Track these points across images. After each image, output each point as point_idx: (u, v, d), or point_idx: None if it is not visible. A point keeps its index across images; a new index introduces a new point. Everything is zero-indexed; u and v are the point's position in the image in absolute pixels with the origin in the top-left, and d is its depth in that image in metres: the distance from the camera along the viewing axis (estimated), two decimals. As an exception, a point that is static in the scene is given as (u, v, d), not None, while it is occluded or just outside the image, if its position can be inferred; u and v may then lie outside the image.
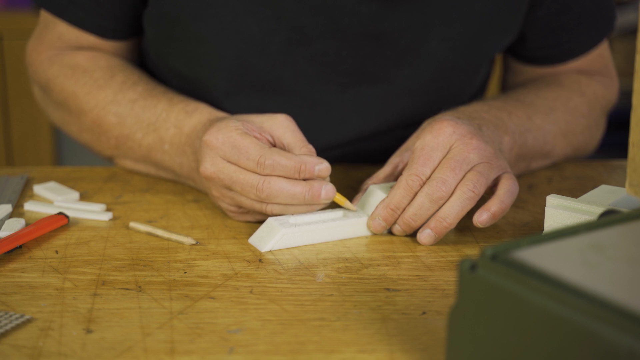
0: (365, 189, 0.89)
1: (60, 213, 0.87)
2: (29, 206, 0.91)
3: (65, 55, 1.04)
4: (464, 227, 0.88)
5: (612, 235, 0.58)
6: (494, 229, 0.88)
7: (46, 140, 2.41)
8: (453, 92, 1.04)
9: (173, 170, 0.96)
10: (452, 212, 0.82)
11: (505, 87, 1.14)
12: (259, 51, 0.97)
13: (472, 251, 0.83)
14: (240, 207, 0.87)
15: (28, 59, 1.08)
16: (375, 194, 0.86)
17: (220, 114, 0.92)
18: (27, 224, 0.86)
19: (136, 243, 0.83)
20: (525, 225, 0.90)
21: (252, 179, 0.83)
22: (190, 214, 0.91)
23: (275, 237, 0.81)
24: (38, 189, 0.96)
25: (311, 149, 0.86)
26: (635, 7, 2.48)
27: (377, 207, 0.85)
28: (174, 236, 0.84)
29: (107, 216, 0.89)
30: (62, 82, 1.02)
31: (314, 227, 0.83)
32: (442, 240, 0.85)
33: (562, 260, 0.54)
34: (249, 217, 0.88)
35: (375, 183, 0.89)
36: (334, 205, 0.87)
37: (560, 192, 0.95)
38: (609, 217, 0.60)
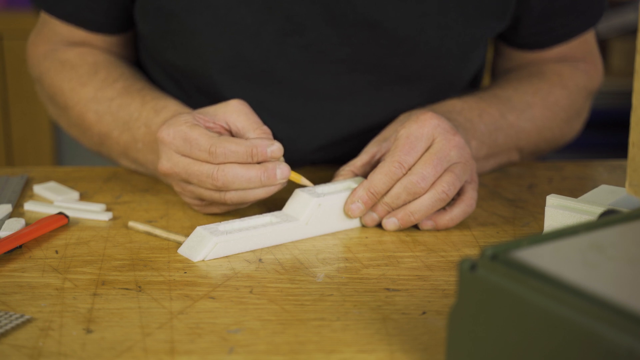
0: (341, 175, 0.89)
1: (60, 213, 0.87)
2: (29, 206, 0.91)
3: (58, 51, 1.05)
4: (464, 227, 0.88)
5: (612, 235, 0.58)
6: (494, 229, 0.88)
7: (46, 140, 2.41)
8: (448, 79, 1.04)
9: (147, 168, 0.98)
10: (421, 209, 0.85)
11: (494, 72, 1.15)
12: (253, 42, 0.97)
13: (472, 251, 0.83)
14: (202, 199, 0.87)
15: (27, 52, 1.11)
16: (300, 197, 0.86)
17: (186, 110, 0.93)
18: (27, 224, 0.86)
19: (136, 243, 0.83)
20: (525, 225, 0.90)
21: (206, 169, 0.83)
22: (191, 214, 0.91)
23: (207, 246, 0.79)
24: (38, 189, 0.96)
25: (266, 130, 0.85)
26: (635, 7, 2.48)
27: (356, 189, 0.86)
28: (172, 236, 0.84)
29: (107, 216, 0.89)
30: (52, 76, 1.04)
31: (245, 234, 0.81)
32: (442, 240, 0.85)
33: (562, 260, 0.54)
34: (214, 209, 0.88)
35: (352, 170, 0.90)
36: (264, 210, 0.88)
37: (560, 192, 0.95)
38: (609, 217, 0.60)
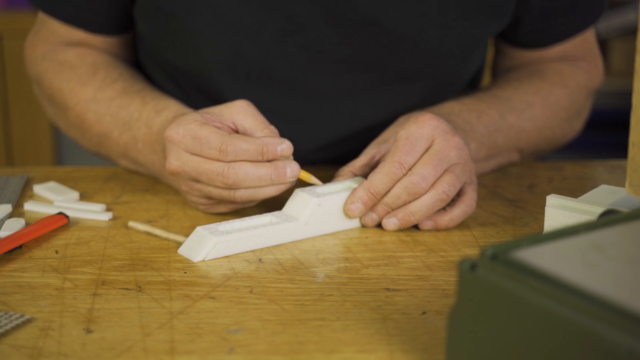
0: (341, 176, 0.90)
1: (60, 213, 0.87)
2: (29, 206, 0.91)
3: (57, 51, 1.05)
4: (464, 227, 0.88)
5: (612, 235, 0.58)
6: (494, 229, 0.88)
7: (46, 140, 2.41)
8: (448, 79, 1.04)
9: (147, 168, 0.98)
10: (421, 210, 0.85)
11: (495, 71, 1.16)
12: (253, 42, 0.97)
13: (472, 251, 0.83)
14: (210, 198, 0.87)
15: (25, 53, 1.10)
16: (300, 197, 0.86)
17: (187, 110, 0.93)
18: (27, 224, 0.86)
19: (136, 243, 0.83)
20: (525, 225, 0.90)
21: (217, 167, 0.83)
22: (191, 214, 0.91)
23: (207, 246, 0.79)
24: (38, 189, 0.96)
25: (273, 129, 0.86)
26: (635, 7, 2.48)
27: (356, 189, 0.86)
28: (172, 236, 0.84)
29: (107, 216, 0.89)
30: (51, 77, 1.04)
31: (245, 234, 0.81)
32: (442, 240, 0.85)
33: (562, 260, 0.54)
34: (222, 208, 0.88)
35: (351, 171, 0.90)
36: (264, 210, 0.88)
37: (560, 192, 0.95)
38: (609, 217, 0.60)
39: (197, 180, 0.85)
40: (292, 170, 0.84)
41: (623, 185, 0.73)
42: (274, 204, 0.91)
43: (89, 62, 1.03)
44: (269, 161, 0.84)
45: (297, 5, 0.96)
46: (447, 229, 0.87)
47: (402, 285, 0.75)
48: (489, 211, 0.93)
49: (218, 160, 0.83)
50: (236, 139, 0.83)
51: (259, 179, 0.83)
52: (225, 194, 0.84)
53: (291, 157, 0.85)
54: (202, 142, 0.83)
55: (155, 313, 0.69)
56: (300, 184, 0.90)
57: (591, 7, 1.07)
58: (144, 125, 0.95)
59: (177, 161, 0.85)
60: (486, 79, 1.22)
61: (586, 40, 1.11)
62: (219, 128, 0.86)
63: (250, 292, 0.73)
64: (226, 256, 0.80)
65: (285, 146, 0.84)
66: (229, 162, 0.83)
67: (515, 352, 0.52)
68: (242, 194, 0.84)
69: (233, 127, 0.87)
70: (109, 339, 0.65)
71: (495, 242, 0.85)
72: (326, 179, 0.94)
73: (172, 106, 0.95)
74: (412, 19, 0.97)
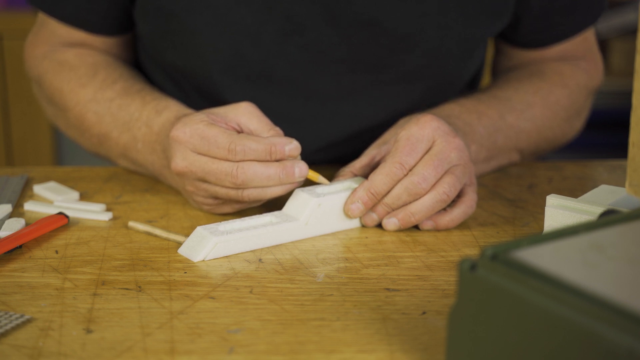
0: (341, 176, 0.90)
1: (60, 213, 0.87)
2: (29, 206, 0.91)
3: (57, 52, 1.05)
4: (464, 227, 0.88)
5: (612, 235, 0.58)
6: (494, 229, 0.88)
7: (46, 140, 2.41)
8: (448, 79, 1.04)
9: (146, 168, 0.98)
10: (422, 210, 0.85)
11: (495, 71, 1.16)
12: (252, 42, 0.98)
13: (472, 251, 0.83)
14: (216, 198, 0.87)
15: (25, 53, 1.10)
16: (300, 197, 0.86)
17: (188, 111, 0.93)
18: (27, 224, 0.86)
19: (136, 243, 0.83)
20: (525, 225, 0.90)
21: (226, 167, 0.83)
22: (191, 214, 0.91)
23: (207, 246, 0.79)
24: (38, 189, 0.96)
25: (278, 131, 0.86)
26: (635, 7, 2.48)
27: (357, 189, 0.86)
28: (172, 236, 0.84)
29: (107, 216, 0.89)
30: (51, 77, 1.04)
31: (246, 234, 0.81)
32: (442, 240, 0.85)
33: (562, 260, 0.54)
34: (227, 209, 0.88)
35: (351, 172, 0.90)
36: (264, 210, 0.88)
37: (560, 192, 0.95)
38: (609, 217, 0.60)
39: (204, 180, 0.85)
40: (301, 170, 0.84)
41: (623, 185, 0.73)
42: (274, 204, 0.91)
43: (89, 63, 1.03)
44: (276, 161, 0.84)
45: (297, 5, 0.96)
46: (447, 229, 0.87)
47: (402, 285, 0.75)
48: (489, 211, 0.93)
49: (226, 159, 0.83)
50: (245, 138, 0.83)
51: (268, 179, 0.83)
52: (232, 193, 0.84)
53: (299, 157, 0.85)
54: (210, 142, 0.83)
55: (155, 313, 0.69)
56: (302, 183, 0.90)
57: (591, 7, 1.07)
58: (144, 125, 0.95)
59: (184, 161, 0.85)
60: (486, 79, 1.22)
61: (586, 40, 1.11)
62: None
63: (250, 292, 0.73)
64: (226, 256, 0.80)
65: (293, 146, 0.84)
66: (237, 161, 0.83)
67: (515, 352, 0.52)
68: (249, 194, 0.84)
69: (238, 128, 0.87)
70: (109, 339, 0.65)
71: (495, 242, 0.85)
72: (327, 179, 0.94)
73: (172, 106, 0.95)
74: (412, 19, 0.97)
